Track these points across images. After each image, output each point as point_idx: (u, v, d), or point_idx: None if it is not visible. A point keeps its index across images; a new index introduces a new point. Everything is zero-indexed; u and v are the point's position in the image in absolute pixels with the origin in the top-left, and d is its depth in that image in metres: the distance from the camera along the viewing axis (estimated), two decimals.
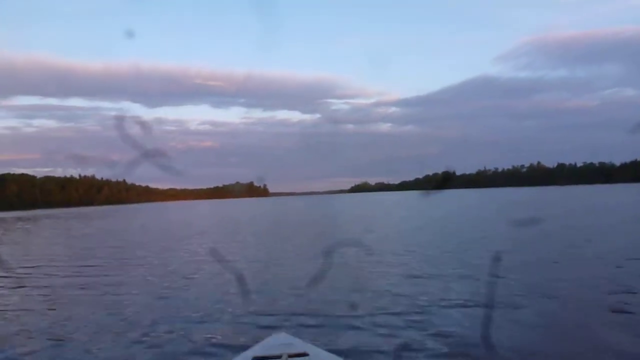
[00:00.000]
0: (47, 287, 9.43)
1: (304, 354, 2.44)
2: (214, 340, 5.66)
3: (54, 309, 7.70)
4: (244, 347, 2.98)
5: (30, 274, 10.98)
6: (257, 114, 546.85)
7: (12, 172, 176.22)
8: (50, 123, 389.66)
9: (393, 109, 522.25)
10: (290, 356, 2.34)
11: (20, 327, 6.58)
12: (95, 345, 5.68)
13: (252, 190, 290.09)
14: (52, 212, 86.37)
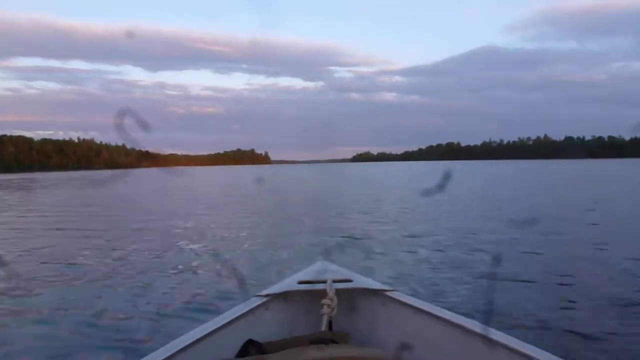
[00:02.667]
0: None
1: (349, 280, 2.50)
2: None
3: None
4: (287, 274, 2.84)
5: None
6: (260, 80, 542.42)
7: (10, 135, 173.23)
8: (52, 85, 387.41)
9: (397, 78, 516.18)
10: (335, 281, 2.39)
11: None
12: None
13: (253, 158, 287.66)
14: (42, 177, 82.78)
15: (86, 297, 5.67)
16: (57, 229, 12.11)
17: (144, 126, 1.23)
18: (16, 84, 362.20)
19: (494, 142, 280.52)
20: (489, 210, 14.60)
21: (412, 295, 2.45)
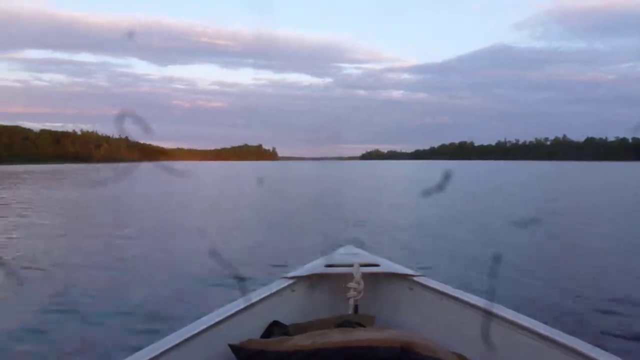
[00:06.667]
0: None
1: (376, 264, 2.46)
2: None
3: None
4: (314, 258, 2.68)
5: None
6: (267, 75, 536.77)
7: (8, 125, 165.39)
8: (61, 77, 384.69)
9: (405, 76, 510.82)
10: (361, 265, 2.36)
11: None
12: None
13: (260, 154, 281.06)
14: (25, 169, 78.55)
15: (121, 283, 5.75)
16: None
17: (144, 126, 1.24)
18: (25, 75, 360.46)
19: (509, 141, 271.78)
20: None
21: (440, 281, 2.33)
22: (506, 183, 30.64)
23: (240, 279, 5.50)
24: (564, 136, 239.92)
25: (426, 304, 2.24)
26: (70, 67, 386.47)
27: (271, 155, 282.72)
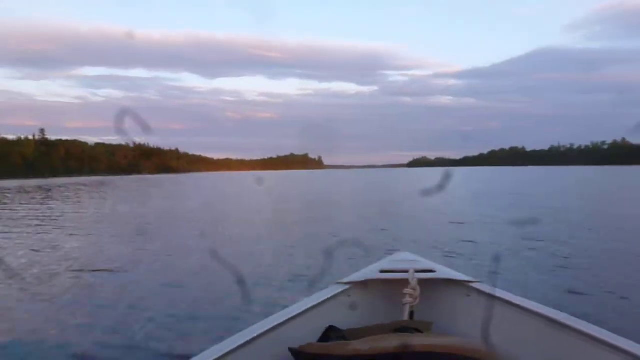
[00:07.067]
0: None
1: (431, 270, 2.41)
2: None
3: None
4: (369, 264, 2.67)
5: None
6: (313, 85, 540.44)
7: (64, 139, 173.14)
8: (116, 93, 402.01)
9: (453, 81, 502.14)
10: (417, 271, 2.33)
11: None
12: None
13: (305, 162, 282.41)
14: (71, 181, 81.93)
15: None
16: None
17: (145, 128, 1.23)
18: (83, 91, 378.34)
19: (563, 146, 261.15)
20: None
21: (499, 288, 2.23)
22: (568, 187, 29.61)
23: (297, 283, 5.72)
24: (623, 139, 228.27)
25: (485, 311, 2.09)
26: (125, 83, 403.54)
27: (317, 164, 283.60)
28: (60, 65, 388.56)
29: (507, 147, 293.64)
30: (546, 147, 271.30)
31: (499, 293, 2.13)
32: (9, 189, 47.37)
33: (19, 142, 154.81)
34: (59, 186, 53.94)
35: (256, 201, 23.29)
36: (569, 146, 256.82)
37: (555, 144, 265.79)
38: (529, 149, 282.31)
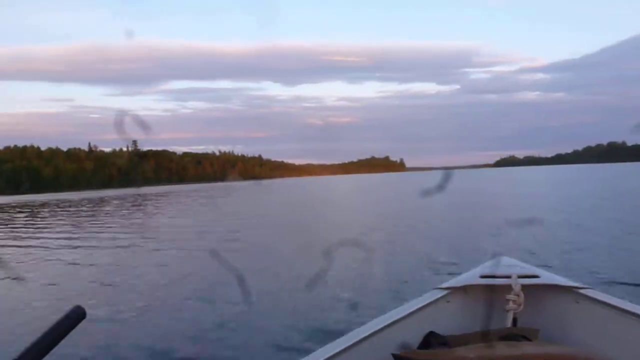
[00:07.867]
0: None
1: (535, 276, 2.28)
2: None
3: None
4: (469, 268, 2.59)
5: None
6: (392, 87, 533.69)
7: (155, 149, 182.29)
8: (202, 104, 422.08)
9: (540, 76, 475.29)
10: (520, 276, 2.20)
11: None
12: None
13: (387, 165, 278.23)
14: (169, 189, 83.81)
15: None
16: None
17: (145, 127, 1.24)
18: (172, 104, 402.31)
19: None
20: None
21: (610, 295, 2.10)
22: None
23: (397, 288, 5.80)
24: None
25: (597, 319, 2.01)
26: (210, 95, 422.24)
27: (399, 167, 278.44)
28: (152, 81, 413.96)
29: (604, 142, 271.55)
30: None
31: (614, 301, 1.96)
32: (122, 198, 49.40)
33: (114, 154, 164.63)
34: (167, 193, 57.01)
35: (356, 206, 23.83)
36: None
37: None
38: (630, 143, 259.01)
